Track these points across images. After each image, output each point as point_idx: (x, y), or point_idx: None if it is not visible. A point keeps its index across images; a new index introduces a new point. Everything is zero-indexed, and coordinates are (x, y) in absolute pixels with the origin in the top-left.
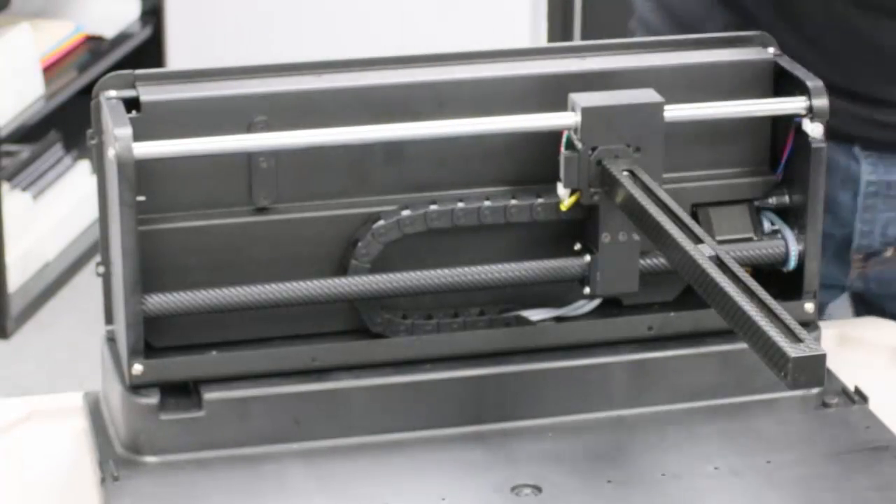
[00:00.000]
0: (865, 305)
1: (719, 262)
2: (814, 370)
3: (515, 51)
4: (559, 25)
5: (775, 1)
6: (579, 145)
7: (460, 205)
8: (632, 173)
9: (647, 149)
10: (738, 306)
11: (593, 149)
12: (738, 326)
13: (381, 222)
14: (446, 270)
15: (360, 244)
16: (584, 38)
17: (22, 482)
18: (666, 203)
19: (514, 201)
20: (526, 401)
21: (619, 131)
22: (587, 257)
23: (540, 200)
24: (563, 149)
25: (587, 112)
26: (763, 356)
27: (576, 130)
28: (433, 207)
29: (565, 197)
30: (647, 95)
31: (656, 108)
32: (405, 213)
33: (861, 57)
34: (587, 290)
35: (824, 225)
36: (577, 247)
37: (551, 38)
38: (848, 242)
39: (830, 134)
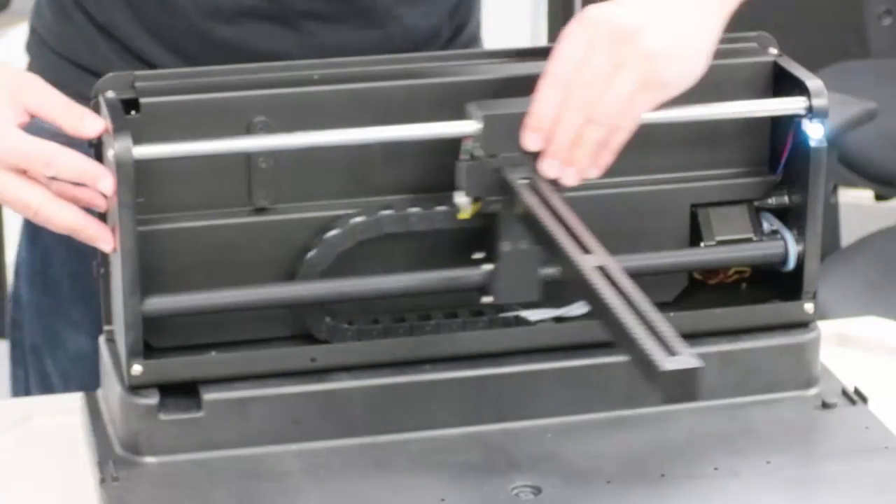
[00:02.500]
0: None
1: (604, 273)
2: (687, 383)
3: (516, 51)
4: (559, 25)
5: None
6: (479, 153)
7: (413, 209)
8: (531, 182)
9: None
10: (615, 316)
11: (492, 157)
12: (616, 337)
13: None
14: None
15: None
16: None
17: (22, 482)
18: (559, 212)
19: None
20: (525, 401)
21: (519, 139)
22: (488, 266)
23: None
24: (461, 156)
25: (488, 120)
26: (638, 367)
27: (476, 138)
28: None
29: (466, 206)
30: None
31: None
32: (368, 218)
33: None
34: (489, 298)
35: None
36: (477, 256)
37: (551, 39)
38: None
39: None
